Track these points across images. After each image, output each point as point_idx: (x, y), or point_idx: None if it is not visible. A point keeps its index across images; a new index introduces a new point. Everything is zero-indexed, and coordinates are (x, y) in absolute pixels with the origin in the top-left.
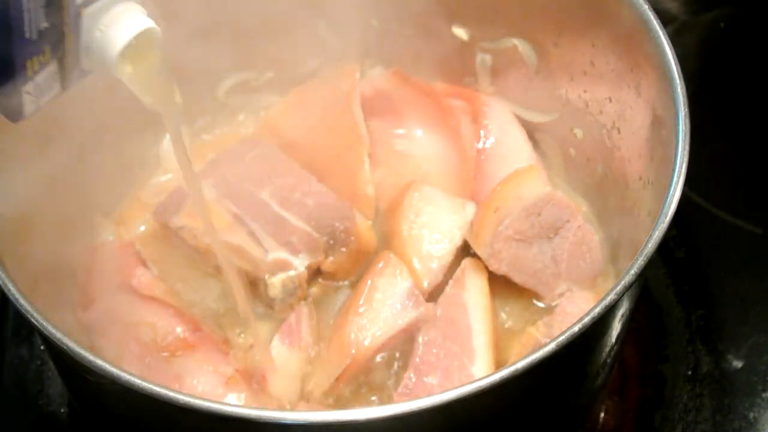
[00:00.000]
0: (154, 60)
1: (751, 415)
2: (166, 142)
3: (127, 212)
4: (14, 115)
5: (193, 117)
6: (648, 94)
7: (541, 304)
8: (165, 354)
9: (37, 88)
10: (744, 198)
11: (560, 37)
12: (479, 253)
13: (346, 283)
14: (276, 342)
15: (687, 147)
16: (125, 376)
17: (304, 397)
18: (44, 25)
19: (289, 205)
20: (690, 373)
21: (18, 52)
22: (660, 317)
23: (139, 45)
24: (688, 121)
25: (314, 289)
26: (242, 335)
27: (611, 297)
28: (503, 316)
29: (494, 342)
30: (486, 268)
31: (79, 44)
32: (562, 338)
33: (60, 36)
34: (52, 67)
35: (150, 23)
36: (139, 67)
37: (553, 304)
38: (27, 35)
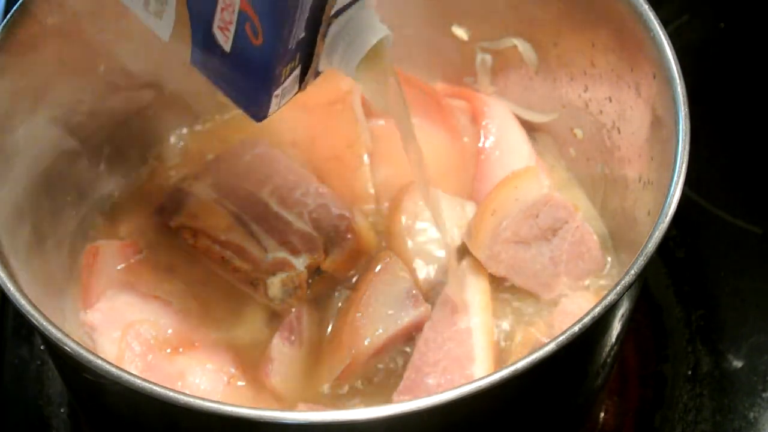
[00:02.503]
0: (385, 64)
1: (751, 415)
2: (170, 143)
3: (128, 212)
4: (259, 116)
5: (193, 117)
6: (648, 94)
7: (540, 304)
8: (167, 350)
9: (284, 90)
10: (744, 198)
11: (560, 37)
12: (477, 255)
13: (342, 276)
14: (277, 340)
15: (687, 147)
16: (125, 376)
17: (305, 396)
18: (302, 35)
19: (289, 205)
20: (690, 373)
21: (279, 63)
22: (660, 317)
23: (373, 50)
24: (688, 121)
25: (314, 288)
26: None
27: (611, 297)
28: (504, 315)
29: (494, 342)
30: None
31: (323, 50)
32: (562, 338)
33: (311, 44)
34: (297, 71)
35: (387, 31)
36: (373, 71)
37: (553, 304)
38: (289, 46)
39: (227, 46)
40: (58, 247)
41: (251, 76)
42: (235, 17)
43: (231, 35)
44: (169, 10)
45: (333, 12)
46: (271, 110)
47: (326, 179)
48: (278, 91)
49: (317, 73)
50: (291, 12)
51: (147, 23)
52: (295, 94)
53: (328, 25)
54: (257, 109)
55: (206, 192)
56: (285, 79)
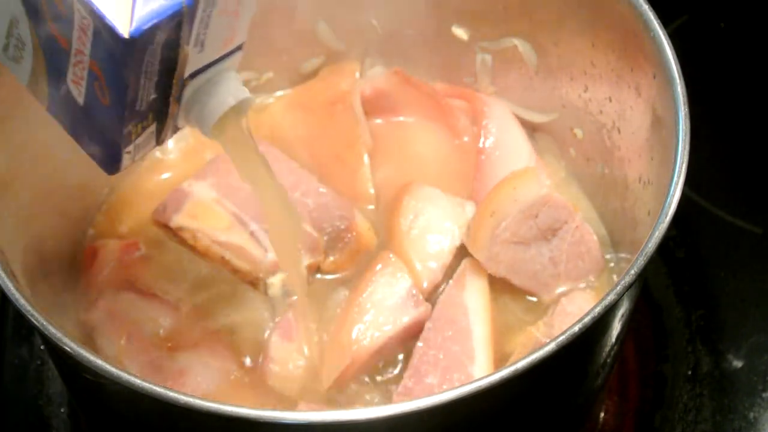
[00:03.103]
0: (242, 127)
1: (751, 415)
2: (170, 143)
3: (128, 211)
4: (111, 169)
5: None
6: (648, 94)
7: (540, 304)
8: (168, 345)
9: (136, 147)
10: (744, 198)
11: (560, 37)
12: (477, 257)
13: (342, 276)
14: (275, 339)
15: (687, 147)
16: (125, 376)
17: (305, 396)
18: (153, 96)
19: None
20: (690, 373)
21: (127, 123)
22: (660, 317)
23: (231, 112)
24: (688, 121)
25: (314, 288)
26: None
27: (611, 297)
28: (504, 315)
29: (494, 342)
30: None
31: (179, 109)
32: (562, 338)
33: (164, 103)
34: (151, 129)
35: (246, 94)
36: (230, 134)
37: (553, 304)
38: (138, 108)
39: (80, 100)
40: (58, 246)
41: (101, 132)
42: (85, 74)
43: (83, 90)
44: (26, 57)
45: (189, 74)
46: (123, 165)
47: (326, 179)
48: (129, 148)
49: (176, 129)
50: (134, 78)
51: (6, 66)
52: (154, 147)
53: (183, 86)
54: (109, 164)
55: (206, 192)
56: (137, 137)
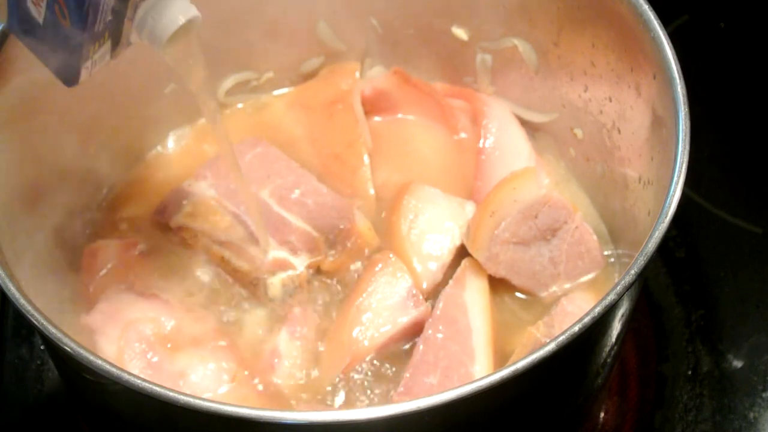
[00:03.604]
0: (192, 42)
1: (751, 415)
2: (170, 141)
3: (127, 211)
4: (69, 83)
5: (193, 117)
6: (648, 94)
7: (540, 305)
8: (169, 345)
9: (93, 63)
10: (744, 198)
11: (560, 37)
12: (476, 257)
13: (342, 276)
14: (284, 335)
15: (687, 147)
16: (125, 376)
17: (306, 395)
18: (109, 18)
19: (289, 205)
20: (690, 373)
21: (86, 43)
22: (660, 317)
23: (181, 29)
24: (688, 121)
25: (314, 288)
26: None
27: (611, 297)
28: (504, 315)
29: (494, 342)
30: None
31: (132, 27)
32: (562, 338)
33: (118, 23)
34: (106, 46)
35: (195, 12)
36: (180, 48)
37: (553, 304)
38: (96, 29)
39: (40, 20)
40: (58, 247)
41: (61, 50)
42: None
43: (43, 11)
44: None
45: None
46: (81, 78)
47: (326, 179)
48: (87, 64)
49: (129, 44)
50: (93, 5)
51: None
52: (108, 61)
53: (136, 7)
54: (68, 78)
55: (206, 192)
56: (94, 54)
